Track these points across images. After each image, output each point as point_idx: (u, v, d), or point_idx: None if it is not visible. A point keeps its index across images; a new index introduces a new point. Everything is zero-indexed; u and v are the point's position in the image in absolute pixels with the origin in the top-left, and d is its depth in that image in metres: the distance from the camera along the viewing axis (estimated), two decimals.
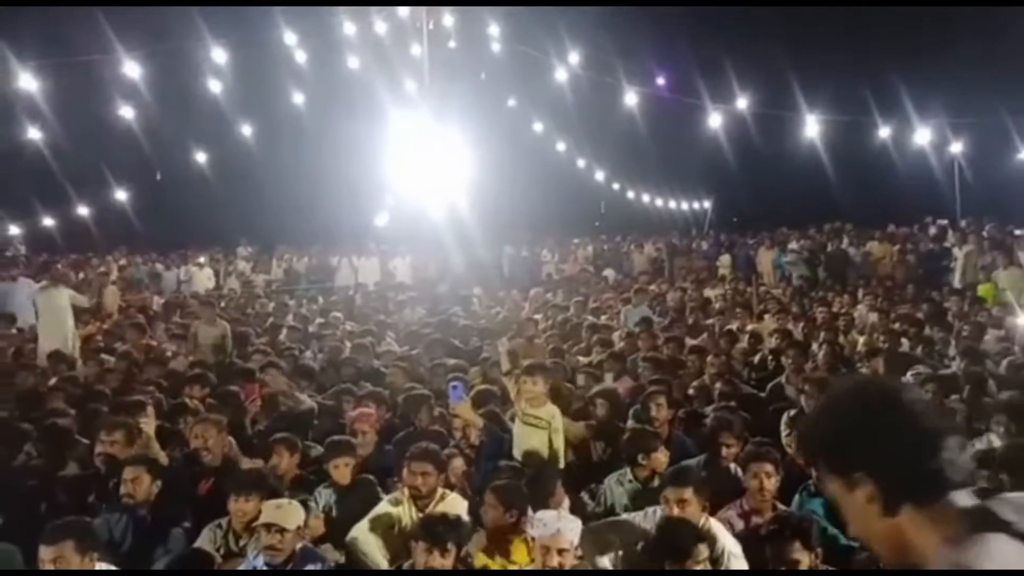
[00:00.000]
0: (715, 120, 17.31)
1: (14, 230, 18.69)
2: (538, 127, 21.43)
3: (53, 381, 7.52)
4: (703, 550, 3.38)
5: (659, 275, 17.02)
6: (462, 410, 5.22)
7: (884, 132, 17.82)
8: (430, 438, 5.04)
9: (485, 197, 18.51)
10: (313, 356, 9.19)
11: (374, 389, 6.50)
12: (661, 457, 4.75)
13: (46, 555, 3.39)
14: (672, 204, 27.17)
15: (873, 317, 10.10)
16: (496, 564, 3.91)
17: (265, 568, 3.70)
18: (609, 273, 17.94)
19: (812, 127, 16.85)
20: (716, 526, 3.89)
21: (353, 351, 8.61)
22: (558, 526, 3.48)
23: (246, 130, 18.23)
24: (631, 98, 17.48)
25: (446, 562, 3.51)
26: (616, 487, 4.74)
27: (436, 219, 17.82)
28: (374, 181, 19.30)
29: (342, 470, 4.76)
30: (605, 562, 3.65)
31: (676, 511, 3.83)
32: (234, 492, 4.15)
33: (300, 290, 16.62)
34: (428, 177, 17.80)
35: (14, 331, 11.06)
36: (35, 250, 17.00)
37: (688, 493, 3.87)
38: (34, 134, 16.14)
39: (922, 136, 17.46)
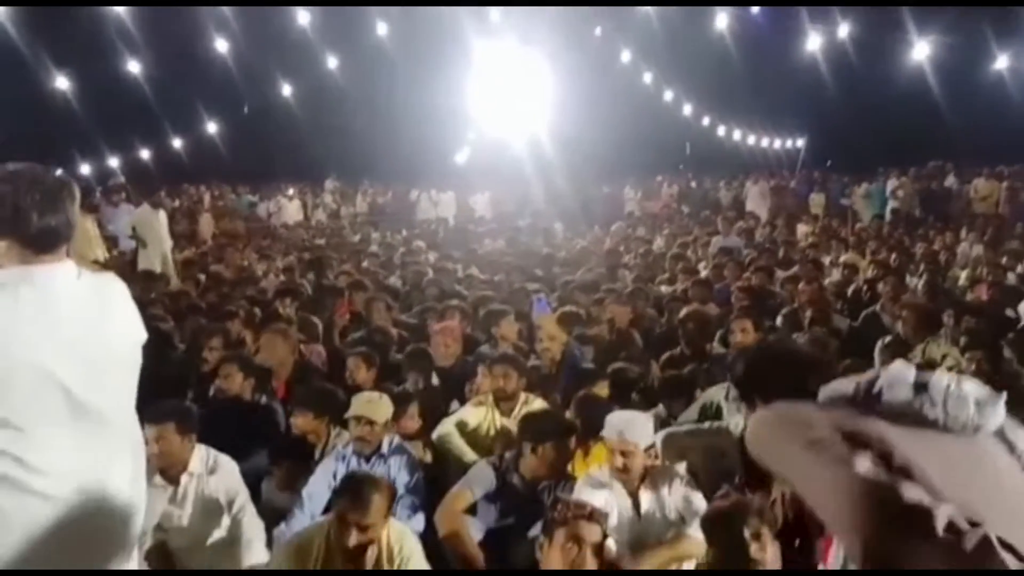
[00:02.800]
0: (813, 43, 16.38)
1: (113, 161, 19.49)
2: (625, 57, 20.74)
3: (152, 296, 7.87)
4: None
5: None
6: (546, 322, 5.17)
7: (1001, 63, 16.58)
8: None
9: (567, 131, 18.21)
10: (398, 282, 9.34)
11: (457, 304, 6.54)
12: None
13: (149, 434, 3.54)
14: (764, 142, 26.08)
15: (978, 250, 9.54)
16: (579, 469, 3.91)
17: (354, 458, 3.80)
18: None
19: (921, 50, 15.76)
20: None
21: (436, 274, 8.69)
22: (621, 428, 3.43)
23: (332, 63, 18.36)
24: (722, 20, 16.69)
25: (535, 456, 3.55)
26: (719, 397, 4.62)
27: (517, 153, 17.70)
28: (456, 115, 19.24)
29: (413, 375, 4.83)
30: (682, 469, 3.59)
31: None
32: (294, 406, 4.25)
33: (383, 222, 16.86)
34: (510, 110, 17.62)
35: (116, 253, 11.63)
36: (133, 180, 17.67)
37: None
38: (132, 67, 16.66)
39: None
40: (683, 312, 5.87)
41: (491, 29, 17.62)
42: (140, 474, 2.19)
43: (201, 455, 3.70)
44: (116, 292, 2.17)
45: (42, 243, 1.97)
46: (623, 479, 3.40)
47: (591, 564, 2.64)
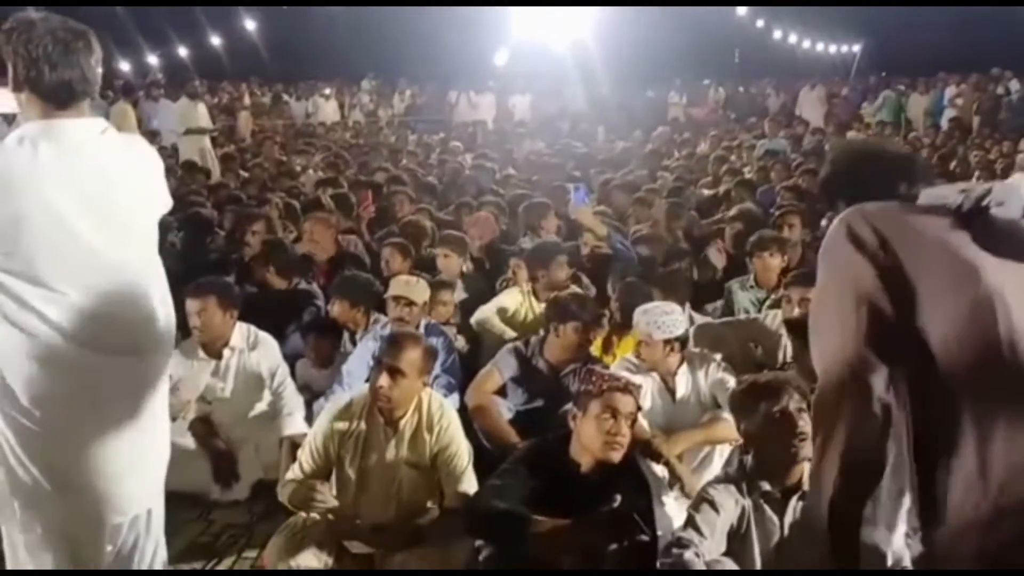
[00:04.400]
0: None
1: (152, 58, 19.38)
2: None
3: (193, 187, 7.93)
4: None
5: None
6: (583, 214, 5.08)
7: None
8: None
9: (611, 33, 17.55)
10: (434, 181, 9.27)
11: (493, 199, 6.47)
12: (775, 261, 4.52)
13: (192, 307, 3.63)
14: (820, 47, 24.89)
15: None
16: (609, 360, 3.91)
17: None
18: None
19: None
20: None
21: (473, 171, 8.60)
22: (654, 319, 3.38)
23: None
24: None
25: (570, 337, 3.58)
26: (739, 292, 4.59)
27: (559, 55, 17.16)
28: (497, 15, 18.61)
29: (448, 260, 4.81)
30: (717, 358, 3.56)
31: (797, 311, 3.66)
32: (331, 293, 4.28)
33: (420, 123, 16.64)
34: (552, 11, 17.00)
35: (157, 147, 11.67)
36: (171, 77, 17.59)
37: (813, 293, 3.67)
38: None
39: None
40: (733, 211, 5.72)
41: None
42: (167, 330, 2.15)
43: (242, 331, 3.78)
44: (143, 153, 2.12)
45: (59, 97, 1.92)
46: (655, 369, 3.40)
47: (625, 434, 2.65)
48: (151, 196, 2.12)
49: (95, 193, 1.95)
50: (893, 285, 1.39)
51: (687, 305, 4.17)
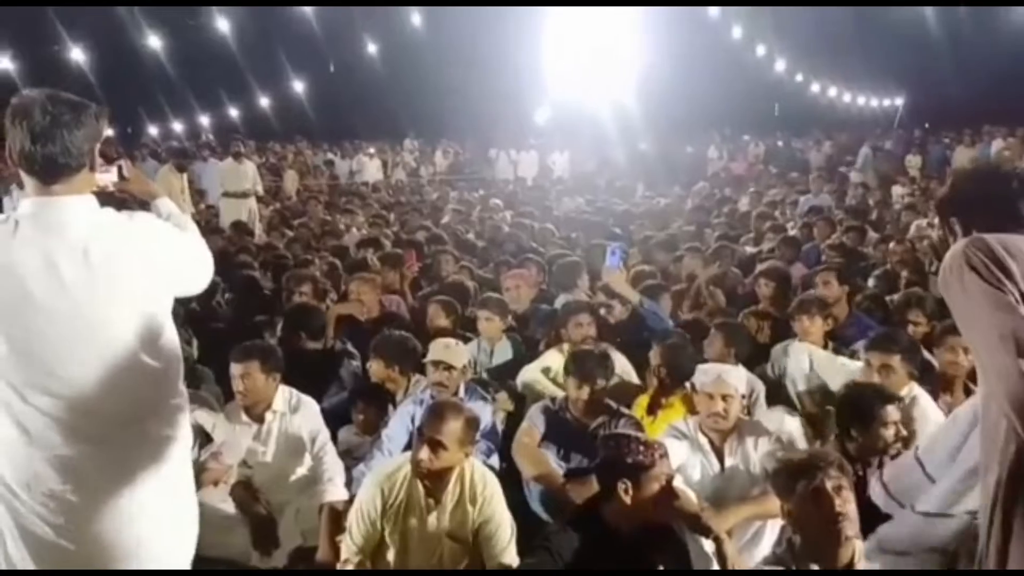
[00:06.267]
0: None
1: (203, 119, 20.09)
2: (714, 12, 19.97)
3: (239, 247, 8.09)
4: (892, 412, 3.12)
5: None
6: (615, 279, 5.02)
7: None
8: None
9: (650, 89, 17.74)
10: (475, 239, 9.33)
11: (531, 256, 6.48)
12: (817, 322, 4.41)
13: (235, 371, 3.65)
14: (861, 100, 24.83)
15: None
16: (655, 424, 3.83)
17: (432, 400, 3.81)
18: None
19: None
20: (924, 397, 3.57)
21: (512, 228, 8.65)
22: (719, 372, 3.33)
23: (416, 20, 18.33)
24: None
25: (582, 394, 3.65)
26: (783, 357, 4.47)
27: (598, 112, 17.37)
28: (537, 73, 18.99)
29: (489, 324, 4.80)
30: (769, 425, 3.46)
31: (877, 378, 3.55)
32: (371, 352, 4.28)
33: (461, 181, 16.88)
34: (592, 67, 17.27)
35: (203, 207, 11.99)
36: (221, 138, 18.19)
37: (895, 360, 3.58)
38: (222, 26, 17.02)
39: None
40: (761, 267, 5.66)
41: None
42: (162, 399, 2.10)
43: (285, 394, 3.77)
44: (143, 232, 2.05)
45: (45, 171, 1.90)
46: (716, 426, 3.32)
47: (672, 495, 2.70)
48: (150, 273, 2.04)
49: (74, 273, 1.92)
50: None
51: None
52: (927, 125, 21.37)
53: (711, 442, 3.35)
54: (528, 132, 19.71)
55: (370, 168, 17.72)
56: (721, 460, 3.33)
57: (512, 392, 4.37)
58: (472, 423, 2.95)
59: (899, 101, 23.91)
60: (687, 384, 3.62)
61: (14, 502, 1.99)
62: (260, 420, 3.75)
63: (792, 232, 8.03)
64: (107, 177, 2.16)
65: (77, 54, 17.26)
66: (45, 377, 1.94)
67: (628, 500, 2.64)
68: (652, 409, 3.94)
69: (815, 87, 23.89)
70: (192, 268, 2.20)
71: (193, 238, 2.25)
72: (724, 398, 3.28)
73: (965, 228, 1.61)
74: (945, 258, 1.54)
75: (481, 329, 4.85)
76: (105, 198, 2.09)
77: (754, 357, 4.76)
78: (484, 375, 4.61)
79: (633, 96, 17.36)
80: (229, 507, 3.62)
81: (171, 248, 2.12)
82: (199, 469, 3.34)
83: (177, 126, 19.84)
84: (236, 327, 5.39)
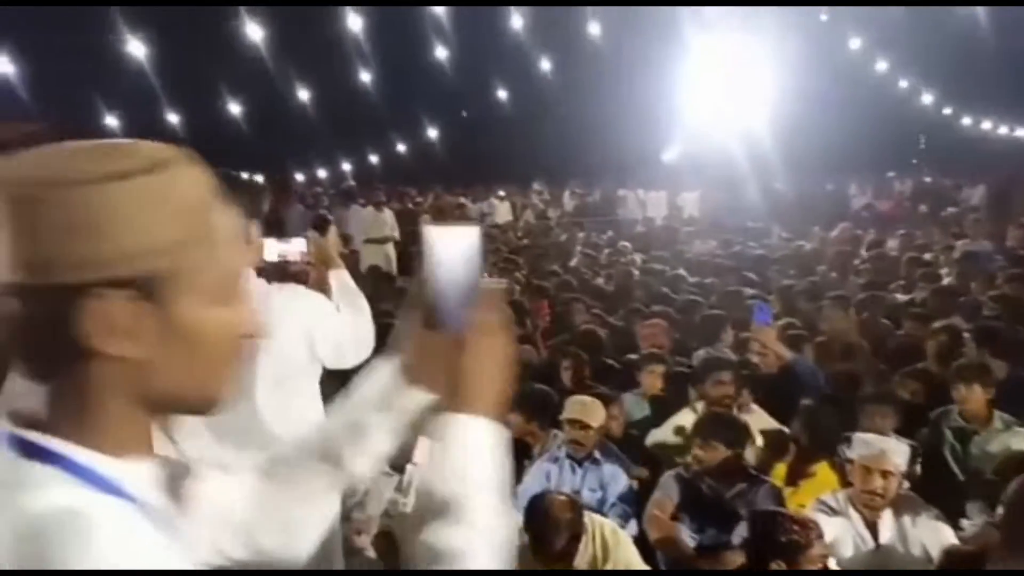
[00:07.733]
0: None
1: (346, 166, 21.25)
2: (855, 44, 19.24)
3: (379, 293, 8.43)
4: None
5: (999, 212, 14.60)
6: (765, 335, 4.83)
7: None
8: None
9: (787, 124, 17.24)
10: (604, 283, 9.30)
11: (664, 308, 6.37)
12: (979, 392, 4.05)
13: None
14: (1019, 132, 23.14)
15: None
16: (799, 494, 3.65)
17: (567, 462, 3.81)
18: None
19: None
20: None
21: (643, 274, 8.56)
22: (882, 446, 3.14)
23: (545, 65, 18.74)
24: None
25: (715, 456, 3.51)
26: (942, 425, 4.15)
27: (731, 149, 17.01)
28: (666, 111, 18.89)
29: (651, 378, 4.73)
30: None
31: None
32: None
33: (589, 222, 16.92)
34: (724, 104, 16.99)
35: (348, 251, 12.59)
36: (362, 184, 19.18)
37: None
38: (364, 77, 18.05)
39: None
40: (935, 324, 5.29)
41: (708, 22, 17.09)
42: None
43: (424, 446, 3.86)
44: (289, 300, 2.26)
45: None
46: (872, 503, 3.12)
47: None
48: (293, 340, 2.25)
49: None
50: None
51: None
52: None
53: (863, 517, 3.15)
54: (657, 171, 19.58)
55: (500, 210, 18.10)
56: (875, 535, 3.13)
57: (645, 453, 4.28)
58: (576, 507, 2.99)
59: None
60: (836, 452, 3.45)
61: None
62: (400, 471, 3.85)
63: (947, 280, 7.53)
64: (292, 248, 2.30)
65: (234, 106, 18.75)
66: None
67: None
68: (793, 478, 3.76)
69: (966, 120, 22.48)
70: (338, 347, 2.34)
71: (347, 316, 2.36)
72: (884, 475, 3.08)
73: None
74: None
75: (644, 383, 4.79)
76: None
77: (911, 420, 4.48)
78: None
79: (767, 131, 16.90)
80: (371, 555, 3.73)
81: (319, 323, 2.27)
82: (343, 518, 3.47)
83: (322, 172, 21.07)
84: None
